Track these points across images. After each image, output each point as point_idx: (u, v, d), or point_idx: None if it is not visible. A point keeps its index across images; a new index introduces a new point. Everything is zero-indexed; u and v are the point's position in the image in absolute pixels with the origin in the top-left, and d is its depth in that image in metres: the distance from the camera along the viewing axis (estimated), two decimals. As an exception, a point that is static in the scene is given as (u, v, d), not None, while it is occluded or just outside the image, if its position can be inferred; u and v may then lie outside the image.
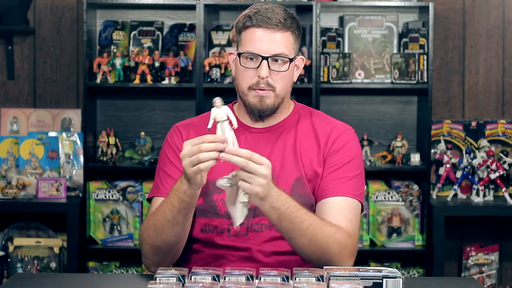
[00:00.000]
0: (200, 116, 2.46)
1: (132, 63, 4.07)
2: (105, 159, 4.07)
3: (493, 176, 4.09)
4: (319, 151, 2.30)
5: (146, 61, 4.04)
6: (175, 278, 1.93)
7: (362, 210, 2.31)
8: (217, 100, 2.01)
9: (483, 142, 4.19)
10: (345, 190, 2.25)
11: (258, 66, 2.21)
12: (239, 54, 2.25)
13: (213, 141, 2.00)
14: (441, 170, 4.16)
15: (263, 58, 2.21)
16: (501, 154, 4.16)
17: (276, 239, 2.25)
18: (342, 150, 2.29)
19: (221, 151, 2.00)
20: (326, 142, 2.30)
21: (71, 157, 4.12)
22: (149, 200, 2.35)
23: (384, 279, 1.91)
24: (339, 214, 2.21)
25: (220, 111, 2.01)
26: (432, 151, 4.18)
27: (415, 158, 4.09)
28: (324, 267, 2.01)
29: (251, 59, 2.23)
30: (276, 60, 2.22)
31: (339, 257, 2.16)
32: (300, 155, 2.30)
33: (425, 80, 4.01)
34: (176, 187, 2.13)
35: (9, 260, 3.99)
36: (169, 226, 2.16)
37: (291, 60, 2.24)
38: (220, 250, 2.27)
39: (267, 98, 2.25)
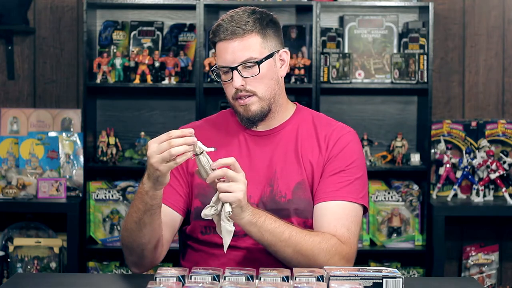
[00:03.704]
0: (204, 119, 2.46)
1: (132, 63, 4.07)
2: (105, 159, 4.07)
3: (493, 176, 4.09)
4: (320, 155, 2.29)
5: (146, 61, 4.04)
6: (175, 278, 1.93)
7: (366, 211, 2.31)
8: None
9: (483, 142, 4.19)
10: (347, 195, 2.25)
11: (232, 78, 2.23)
12: (213, 72, 2.29)
13: (180, 135, 2.02)
14: (441, 170, 4.16)
15: (232, 69, 2.22)
16: (501, 154, 4.16)
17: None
18: (343, 152, 2.29)
19: (190, 144, 2.02)
20: (327, 145, 2.29)
21: (71, 157, 4.12)
22: None
23: (384, 279, 1.91)
24: (337, 223, 2.21)
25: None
26: (432, 151, 4.18)
27: (415, 158, 4.09)
28: (324, 267, 2.00)
29: (226, 72, 2.24)
30: (249, 66, 2.22)
31: (330, 265, 2.15)
32: (302, 159, 2.29)
33: (425, 80, 4.01)
34: (139, 189, 2.15)
35: (9, 260, 3.99)
36: (137, 228, 2.17)
37: (259, 62, 2.22)
38: (220, 250, 2.27)
39: (251, 105, 2.26)
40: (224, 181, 2.06)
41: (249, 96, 2.25)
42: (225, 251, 2.11)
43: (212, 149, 2.06)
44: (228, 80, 2.24)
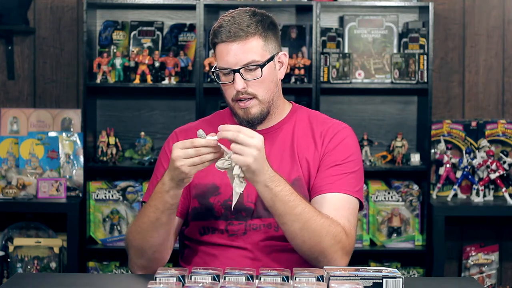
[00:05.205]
0: (199, 120, 2.47)
1: (132, 63, 4.07)
2: (105, 159, 4.07)
3: (493, 176, 4.09)
4: (316, 151, 2.30)
5: (146, 61, 4.04)
6: (175, 278, 1.93)
7: (362, 207, 2.31)
8: (201, 133, 2.05)
9: (483, 142, 4.19)
10: (343, 187, 2.25)
11: (233, 80, 2.22)
12: (213, 73, 2.27)
13: (205, 145, 2.03)
14: (441, 170, 4.16)
15: (234, 71, 2.21)
16: (501, 154, 4.16)
17: (274, 238, 2.25)
18: (339, 147, 2.29)
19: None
20: (322, 142, 2.30)
21: (71, 157, 4.12)
22: (142, 203, 2.36)
23: (384, 279, 1.91)
24: (337, 213, 2.20)
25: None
26: (432, 151, 4.18)
27: (415, 158, 4.09)
28: (324, 267, 2.01)
29: (227, 73, 2.23)
30: (251, 69, 2.22)
31: (331, 251, 2.15)
32: (298, 156, 2.30)
33: (425, 80, 4.01)
34: (158, 189, 2.14)
35: (9, 260, 3.99)
36: (153, 228, 2.18)
37: (262, 65, 2.22)
38: (219, 250, 2.28)
39: (251, 108, 2.25)
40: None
41: (249, 99, 2.24)
42: (232, 208, 2.13)
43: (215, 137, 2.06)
44: (228, 82, 2.24)
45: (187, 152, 2.03)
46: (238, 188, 2.08)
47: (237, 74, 2.21)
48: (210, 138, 2.04)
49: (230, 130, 2.03)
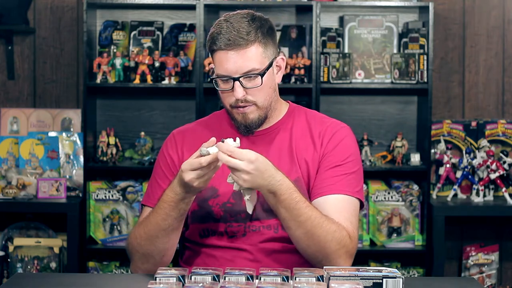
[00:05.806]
0: (197, 121, 2.46)
1: (132, 63, 4.07)
2: (105, 159, 4.07)
3: (493, 176, 4.09)
4: (315, 152, 2.29)
5: (146, 61, 4.04)
6: (175, 278, 1.93)
7: (362, 206, 2.31)
8: (204, 151, 2.07)
9: (483, 142, 4.19)
10: (343, 188, 2.24)
11: (232, 88, 2.21)
12: (211, 79, 2.26)
13: (211, 161, 2.05)
14: (441, 170, 4.16)
15: (234, 79, 2.19)
16: (501, 154, 4.16)
17: (274, 239, 2.25)
18: (338, 147, 2.29)
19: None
20: (321, 142, 2.30)
21: (71, 157, 4.12)
22: (142, 205, 2.36)
23: (384, 279, 1.91)
24: (339, 216, 2.20)
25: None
26: (432, 151, 4.18)
27: (415, 158, 4.09)
28: (324, 267, 2.00)
29: (226, 81, 2.22)
30: (250, 77, 2.20)
31: (336, 256, 2.16)
32: (297, 157, 2.29)
33: (425, 80, 4.01)
34: (169, 199, 2.14)
35: (9, 260, 3.99)
36: (164, 234, 2.18)
37: (262, 74, 2.20)
38: (220, 251, 2.28)
39: (250, 114, 2.25)
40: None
41: (248, 105, 2.24)
42: (250, 212, 2.19)
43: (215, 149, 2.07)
44: (227, 89, 2.22)
45: (199, 173, 2.05)
46: (244, 196, 2.13)
47: (236, 83, 2.19)
48: (214, 151, 2.05)
49: (222, 151, 2.03)
